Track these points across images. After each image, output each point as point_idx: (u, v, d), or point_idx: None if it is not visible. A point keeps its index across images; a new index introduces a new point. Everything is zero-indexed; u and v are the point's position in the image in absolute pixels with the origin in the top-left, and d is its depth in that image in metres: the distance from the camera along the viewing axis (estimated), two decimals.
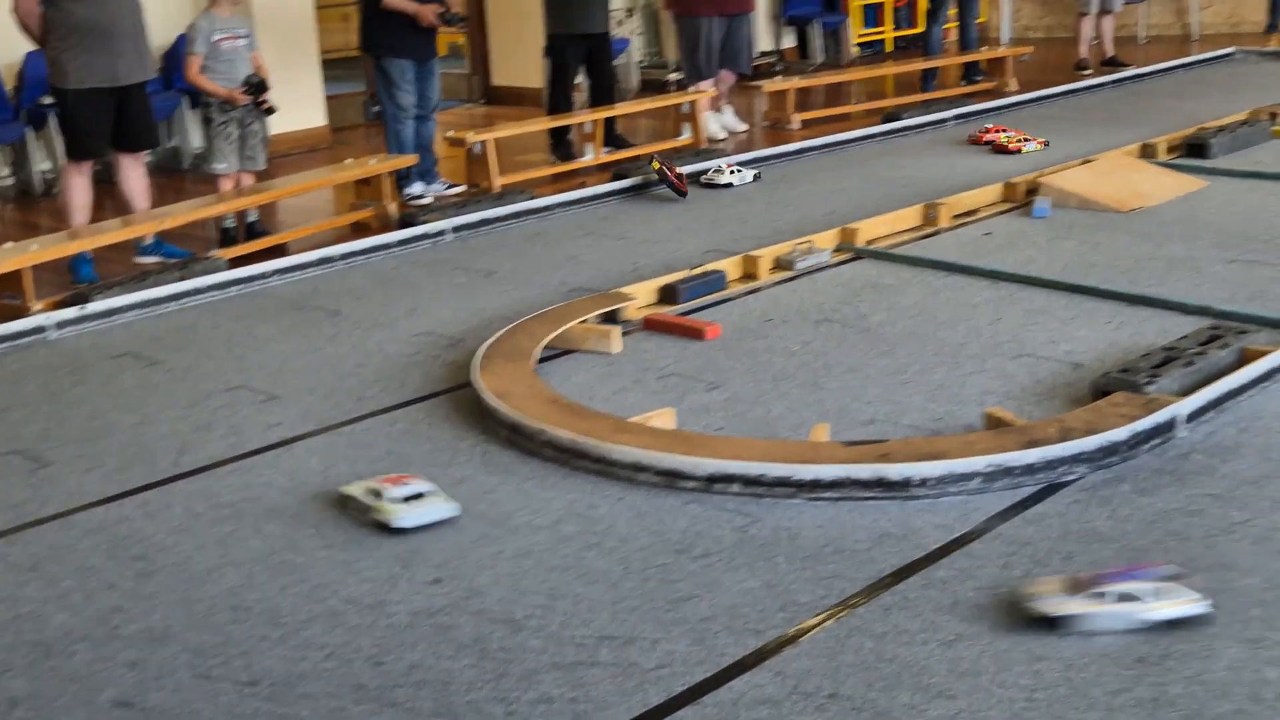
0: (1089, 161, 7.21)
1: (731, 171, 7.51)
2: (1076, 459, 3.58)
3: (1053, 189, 6.67)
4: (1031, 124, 8.86)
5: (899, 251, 5.98)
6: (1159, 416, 3.74)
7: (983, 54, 10.95)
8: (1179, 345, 4.29)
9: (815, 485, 3.53)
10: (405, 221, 6.72)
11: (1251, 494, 3.46)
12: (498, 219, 6.87)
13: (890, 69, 11.18)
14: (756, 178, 7.57)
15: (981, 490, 3.51)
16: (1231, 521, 3.31)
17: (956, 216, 6.53)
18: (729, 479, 3.58)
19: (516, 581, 3.19)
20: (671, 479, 3.63)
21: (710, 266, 5.61)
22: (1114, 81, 10.53)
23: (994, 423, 3.82)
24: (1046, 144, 8.02)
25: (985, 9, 14.06)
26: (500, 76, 12.10)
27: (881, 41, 13.53)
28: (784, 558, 3.24)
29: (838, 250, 6.01)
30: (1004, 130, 8.24)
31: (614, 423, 3.89)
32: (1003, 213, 6.62)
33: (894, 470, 3.50)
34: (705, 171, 7.56)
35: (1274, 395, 4.11)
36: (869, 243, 6.11)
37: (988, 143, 8.14)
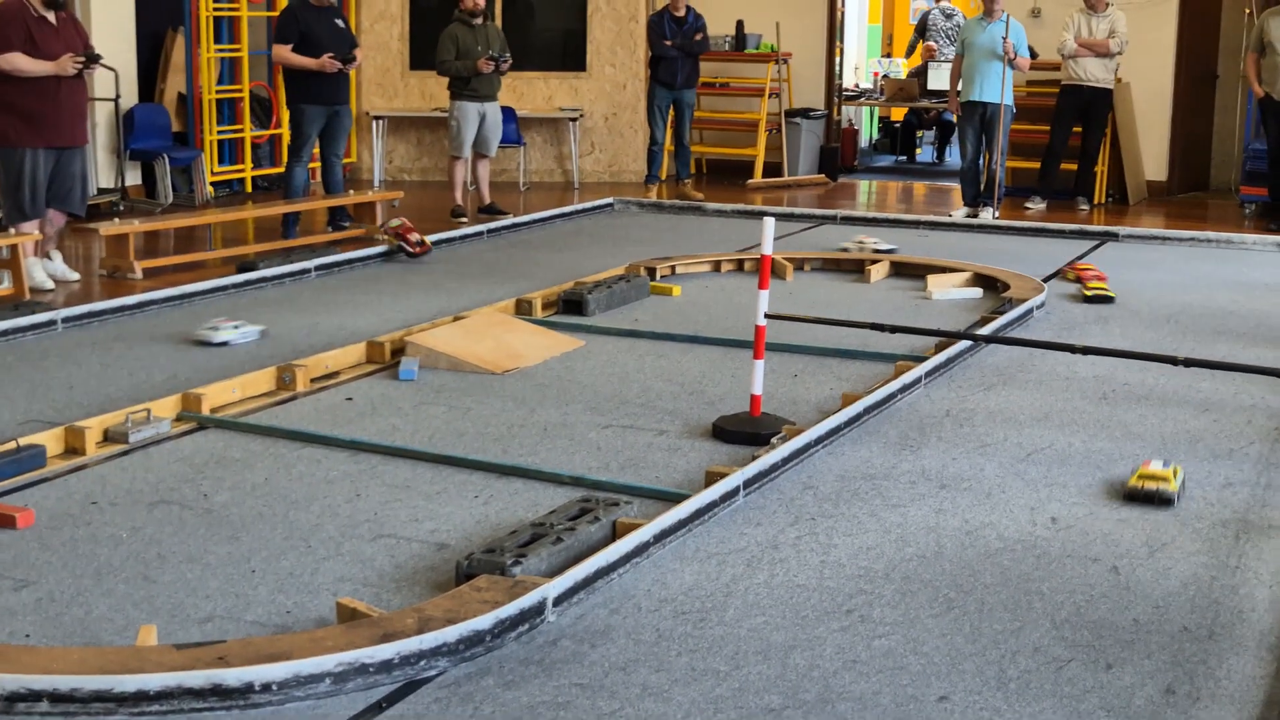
0: (460, 319, 7.54)
1: (234, 327, 7.36)
2: (437, 652, 3.68)
3: (421, 349, 6.91)
4: (396, 278, 9.17)
5: (249, 420, 5.99)
6: (525, 601, 3.92)
7: (350, 198, 11.23)
8: (549, 520, 4.53)
9: (140, 698, 3.43)
10: None
11: (621, 681, 3.69)
12: None
13: (250, 212, 11.25)
14: (263, 334, 7.43)
15: (333, 693, 3.54)
16: (600, 713, 3.51)
17: (315, 380, 6.62)
18: (35, 696, 3.41)
19: None
20: None
21: (27, 440, 5.38)
22: (491, 230, 11.11)
23: (347, 614, 3.87)
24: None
25: (354, 148, 14.50)
26: None
27: (241, 181, 13.59)
28: None
29: (179, 420, 5.93)
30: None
31: None
32: (367, 375, 6.79)
33: (232, 675, 3.46)
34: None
35: (645, 571, 4.41)
36: (215, 410, 6.07)
37: None
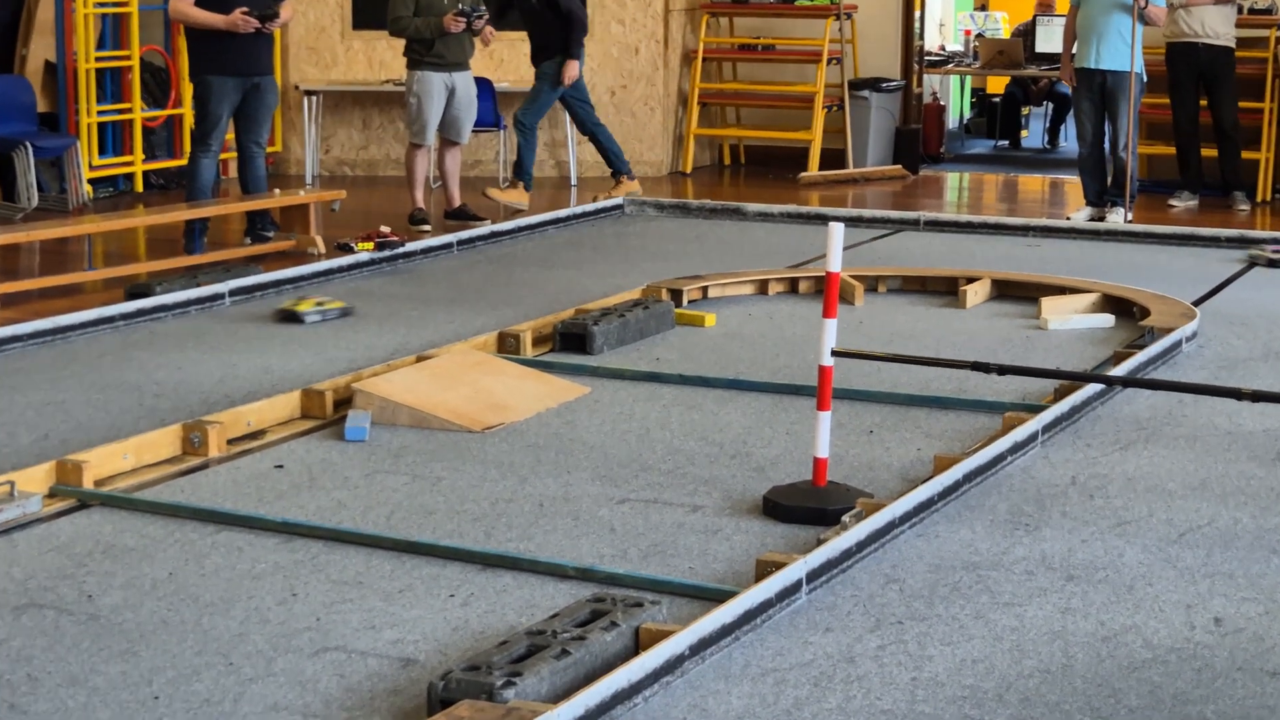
0: (425, 358, 7.54)
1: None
2: None
3: (373, 399, 6.90)
4: (346, 302, 9.18)
5: (145, 497, 5.96)
6: None
7: (276, 199, 11.24)
8: (550, 627, 4.50)
9: None
10: None
11: None
12: None
13: (142, 219, 11.27)
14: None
15: None
16: None
17: (234, 441, 6.61)
18: None
19: None
20: None
21: None
22: (463, 242, 11.12)
23: None
24: None
25: (280, 133, 14.55)
26: None
27: (129, 177, 13.62)
28: None
29: (52, 496, 5.92)
30: None
31: None
32: (302, 434, 6.78)
33: None
34: None
35: (679, 695, 4.38)
36: (100, 483, 6.06)
37: None
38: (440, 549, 5.41)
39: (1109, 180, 12.41)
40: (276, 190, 11.70)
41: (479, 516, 5.79)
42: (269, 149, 12.38)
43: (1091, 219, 12.24)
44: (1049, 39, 16.05)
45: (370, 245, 10.27)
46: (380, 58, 14.62)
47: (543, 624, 4.55)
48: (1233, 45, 12.81)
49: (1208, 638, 4.79)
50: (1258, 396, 6.03)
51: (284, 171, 14.45)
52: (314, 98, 14.56)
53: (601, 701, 4.17)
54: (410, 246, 10.67)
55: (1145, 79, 12.42)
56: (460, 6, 11.82)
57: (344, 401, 7.01)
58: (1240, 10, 12.97)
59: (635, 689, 4.30)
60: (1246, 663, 4.60)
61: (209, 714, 4.26)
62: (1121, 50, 12.01)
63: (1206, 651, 4.69)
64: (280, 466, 6.37)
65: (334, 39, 14.79)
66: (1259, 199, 13.22)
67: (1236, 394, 6.12)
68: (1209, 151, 13.08)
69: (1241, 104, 13.02)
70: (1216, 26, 12.67)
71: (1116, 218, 12.19)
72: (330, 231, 11.06)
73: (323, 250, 10.82)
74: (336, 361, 7.87)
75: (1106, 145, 12.45)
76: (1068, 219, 12.30)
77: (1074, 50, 12.42)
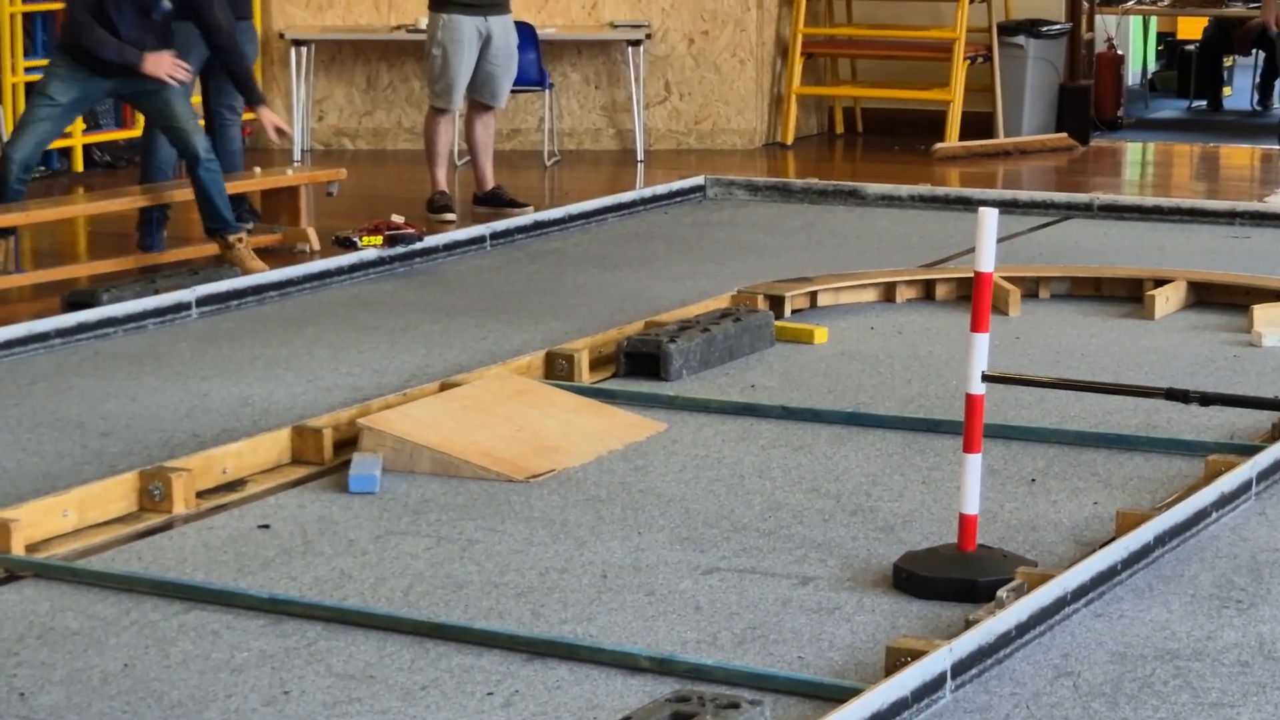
0: (450, 387, 7.56)
1: None
2: None
3: (386, 439, 6.92)
4: (339, 314, 9.22)
5: (92, 565, 5.99)
6: None
7: (256, 180, 11.29)
8: None
9: None
10: None
11: None
12: None
13: (83, 206, 11.33)
14: None
15: None
16: None
17: (204, 494, 6.65)
18: None
19: None
20: None
21: None
22: (498, 235, 11.14)
23: None
24: None
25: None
26: None
27: (67, 153, 13.71)
28: None
29: None
30: None
31: None
32: (294, 484, 6.82)
33: None
34: None
35: None
36: (33, 548, 6.10)
37: None
38: (474, 633, 5.41)
39: None
40: (257, 169, 11.75)
41: (524, 591, 5.80)
42: (246, 115, 12.43)
43: None
44: None
45: (379, 240, 10.26)
46: None
47: None
48: None
49: None
50: None
51: (265, 145, 14.47)
52: (304, 49, 14.62)
53: None
54: (430, 241, 10.68)
55: None
56: None
57: (347, 442, 7.05)
58: None
59: None
60: None
61: None
62: None
63: None
64: (266, 526, 6.40)
65: None
66: None
67: None
68: None
69: None
70: None
71: None
72: (326, 222, 11.11)
73: (316, 246, 10.86)
74: (336, 390, 7.91)
75: None
76: (1266, 202, 12.23)
77: None
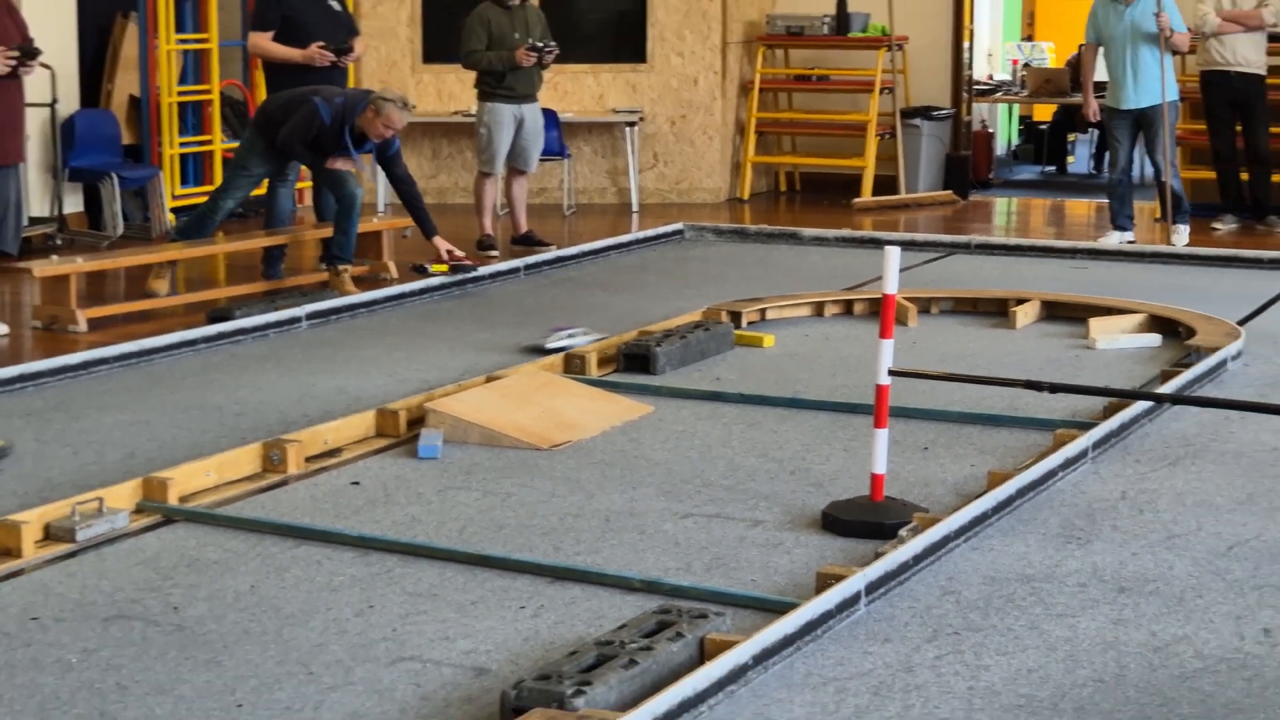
0: (494, 379, 7.54)
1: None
2: None
3: (446, 419, 6.91)
4: (411, 326, 9.22)
5: (227, 512, 5.99)
6: None
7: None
8: (618, 638, 4.49)
9: None
10: None
11: None
12: None
13: (222, 246, 11.31)
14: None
15: None
16: None
17: (311, 459, 6.63)
18: None
19: None
20: None
21: None
22: (529, 266, 11.13)
23: None
24: None
25: None
26: None
27: None
28: None
29: (139, 511, 5.94)
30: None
31: None
32: (377, 452, 6.79)
33: None
34: None
35: (743, 703, 4.36)
36: (185, 499, 6.08)
37: None
38: (511, 562, 5.41)
39: (1167, 208, 12.28)
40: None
41: (548, 531, 5.79)
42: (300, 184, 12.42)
43: (1122, 243, 12.14)
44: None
45: (445, 268, 10.28)
46: (449, 90, 14.65)
47: (610, 635, 4.55)
48: (1264, 73, 12.75)
49: (1257, 648, 4.76)
50: None
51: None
52: None
53: (668, 710, 4.16)
54: (480, 271, 10.67)
55: (1179, 103, 12.35)
56: (531, 41, 11.84)
57: (417, 420, 7.02)
58: (1273, 39, 12.89)
59: (700, 698, 4.29)
60: None
61: None
62: (1156, 85, 11.92)
63: (1256, 661, 4.65)
64: (356, 483, 6.38)
65: (405, 72, 14.82)
66: None
67: None
68: (1245, 175, 13.02)
69: (1272, 129, 12.94)
70: (1248, 55, 12.62)
71: (1181, 239, 12.10)
72: (402, 257, 11.09)
73: (395, 275, 10.85)
74: (409, 382, 7.88)
75: (1132, 172, 12.44)
76: (1097, 244, 12.15)
77: (1095, 87, 12.37)
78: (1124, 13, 11.99)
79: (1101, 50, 12.34)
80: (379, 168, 10.95)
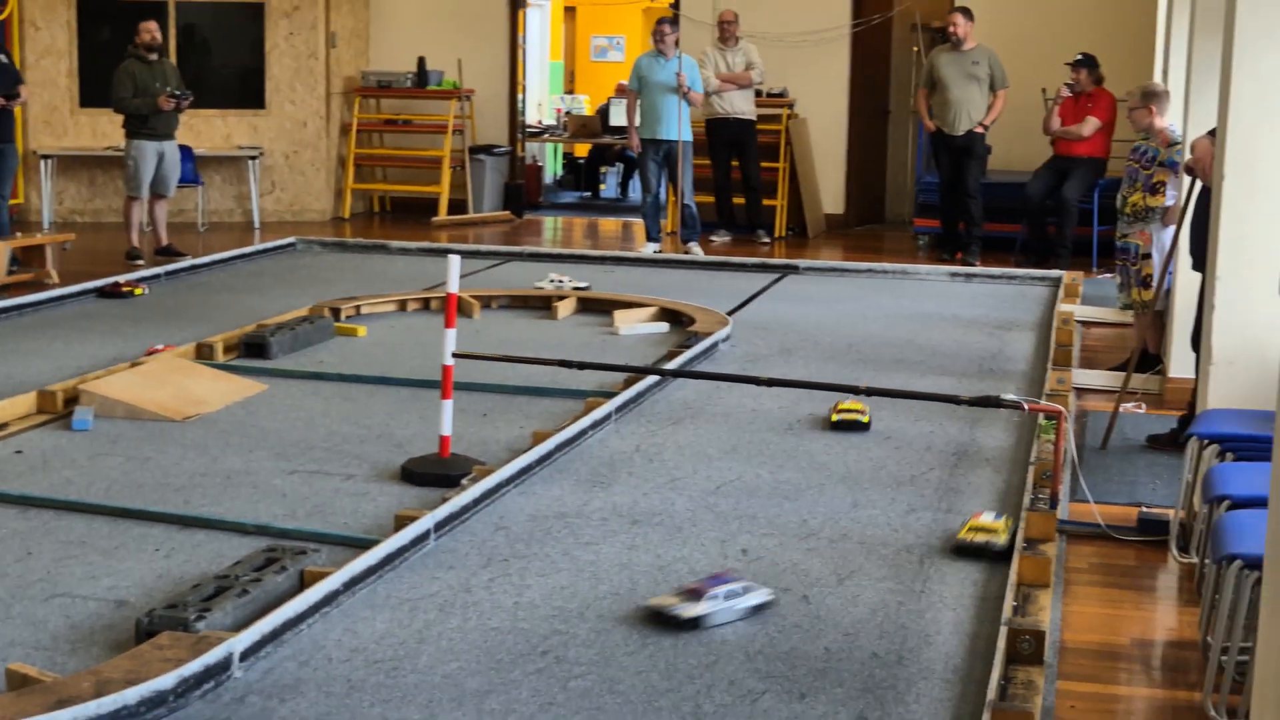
0: (138, 364, 7.30)
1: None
2: (116, 717, 3.54)
3: (95, 397, 6.67)
4: (69, 323, 8.86)
5: None
6: (210, 657, 3.81)
7: (18, 240, 10.79)
8: (233, 572, 4.42)
9: None
10: None
11: None
12: None
13: None
14: None
15: None
16: None
17: None
18: None
19: None
20: None
21: None
22: (169, 273, 10.79)
23: (18, 681, 3.69)
24: None
25: (22, 189, 13.93)
26: None
27: None
28: None
29: None
30: None
31: None
32: (38, 426, 6.52)
33: None
34: None
35: (335, 621, 4.33)
36: None
37: None
38: (148, 514, 5.27)
39: (676, 224, 12.53)
40: (19, 234, 11.24)
41: (179, 487, 5.64)
42: (12, 200, 11.82)
43: (655, 253, 12.37)
44: (619, 116, 16.22)
45: (141, 290, 10.00)
46: (103, 129, 14.06)
47: (227, 570, 4.48)
48: (754, 119, 13.14)
49: (738, 564, 4.91)
50: (772, 382, 6.22)
51: (26, 219, 13.80)
52: (49, 160, 13.98)
53: (274, 629, 4.11)
54: (117, 278, 10.28)
55: (692, 143, 12.65)
56: (170, 89, 11.55)
57: (72, 399, 6.76)
58: (760, 94, 13.31)
59: (301, 618, 4.25)
60: (765, 582, 4.72)
61: None
62: (676, 124, 12.25)
63: (736, 572, 4.80)
64: (19, 452, 6.12)
65: (65, 114, 14.21)
66: (776, 235, 13.56)
67: (757, 381, 6.30)
68: (739, 200, 13.41)
69: (763, 164, 13.36)
70: (741, 105, 13.00)
71: (698, 252, 12.30)
72: (64, 266, 10.64)
73: (57, 280, 10.39)
74: (66, 368, 7.56)
75: (663, 195, 12.67)
76: (640, 253, 12.37)
77: (638, 123, 12.57)
78: (662, 65, 12.31)
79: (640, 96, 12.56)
80: None
